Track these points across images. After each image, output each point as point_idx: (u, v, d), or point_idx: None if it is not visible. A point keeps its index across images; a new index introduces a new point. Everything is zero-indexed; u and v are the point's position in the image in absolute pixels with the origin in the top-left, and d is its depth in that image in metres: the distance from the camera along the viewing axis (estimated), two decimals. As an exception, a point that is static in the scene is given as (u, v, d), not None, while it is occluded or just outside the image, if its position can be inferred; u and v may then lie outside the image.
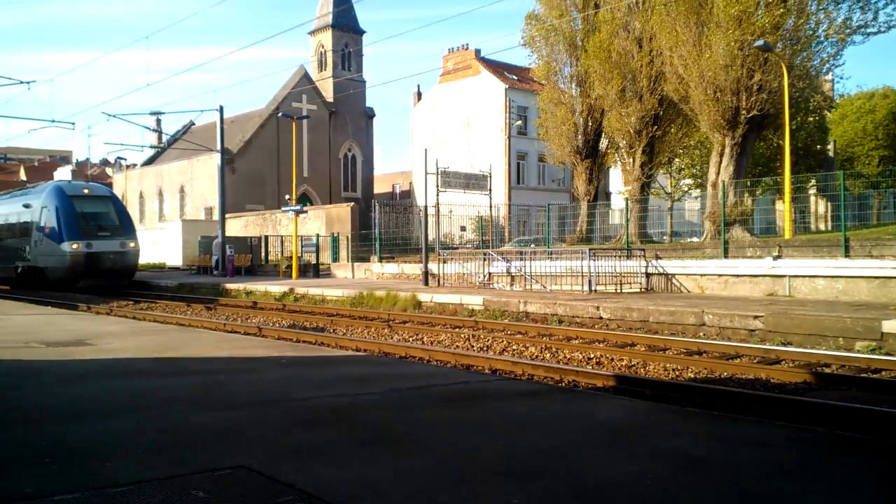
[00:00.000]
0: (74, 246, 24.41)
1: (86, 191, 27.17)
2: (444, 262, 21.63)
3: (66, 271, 24.56)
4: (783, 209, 21.81)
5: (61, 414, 4.71)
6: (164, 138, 51.36)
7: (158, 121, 51.28)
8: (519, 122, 50.90)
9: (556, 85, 29.03)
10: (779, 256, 16.54)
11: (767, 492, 3.25)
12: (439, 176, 21.80)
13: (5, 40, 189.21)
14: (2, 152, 68.79)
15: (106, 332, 10.00)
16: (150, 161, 63.36)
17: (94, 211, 26.06)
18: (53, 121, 31.56)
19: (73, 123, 33.06)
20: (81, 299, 21.15)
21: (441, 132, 54.27)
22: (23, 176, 74.56)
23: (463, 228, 32.81)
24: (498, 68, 52.12)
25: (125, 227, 26.61)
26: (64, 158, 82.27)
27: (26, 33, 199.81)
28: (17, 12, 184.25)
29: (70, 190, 26.71)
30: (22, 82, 26.69)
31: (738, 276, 16.87)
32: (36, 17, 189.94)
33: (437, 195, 21.59)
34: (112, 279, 25.18)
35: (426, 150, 26.11)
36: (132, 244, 26.09)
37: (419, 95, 58.55)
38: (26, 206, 27.27)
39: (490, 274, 20.96)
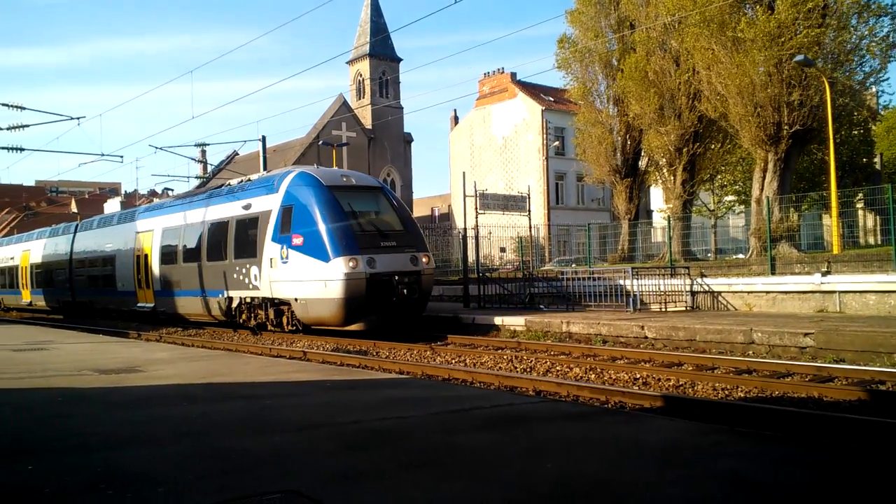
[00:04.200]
0: (351, 264, 15.15)
1: (345, 179, 17.44)
2: (485, 282, 21.61)
3: (337, 305, 15.27)
4: (830, 224, 21.30)
5: (115, 440, 4.83)
6: (209, 168, 52.44)
7: (203, 152, 52.39)
8: (556, 143, 50.85)
9: (592, 105, 29.00)
10: (828, 272, 16.13)
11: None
12: (478, 198, 21.83)
13: (57, 78, 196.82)
14: (54, 185, 71.28)
15: (156, 358, 10.23)
16: (195, 191, 64.77)
17: (365, 209, 16.97)
18: (103, 154, 32.63)
19: (121, 157, 34.05)
20: (132, 326, 21.59)
21: (478, 154, 54.52)
22: (74, 208, 76.92)
23: (503, 249, 32.78)
24: (534, 90, 52.27)
25: (411, 232, 17.15)
26: (113, 190, 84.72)
27: (76, 71, 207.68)
28: (67, 51, 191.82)
29: (327, 178, 16.83)
30: (72, 118, 27.08)
31: (785, 292, 16.50)
32: (84, 55, 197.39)
33: (476, 217, 21.60)
34: (402, 314, 16.09)
35: (464, 173, 26.26)
36: (425, 259, 16.67)
37: (456, 119, 58.98)
38: (247, 206, 17.96)
39: (531, 294, 20.87)
